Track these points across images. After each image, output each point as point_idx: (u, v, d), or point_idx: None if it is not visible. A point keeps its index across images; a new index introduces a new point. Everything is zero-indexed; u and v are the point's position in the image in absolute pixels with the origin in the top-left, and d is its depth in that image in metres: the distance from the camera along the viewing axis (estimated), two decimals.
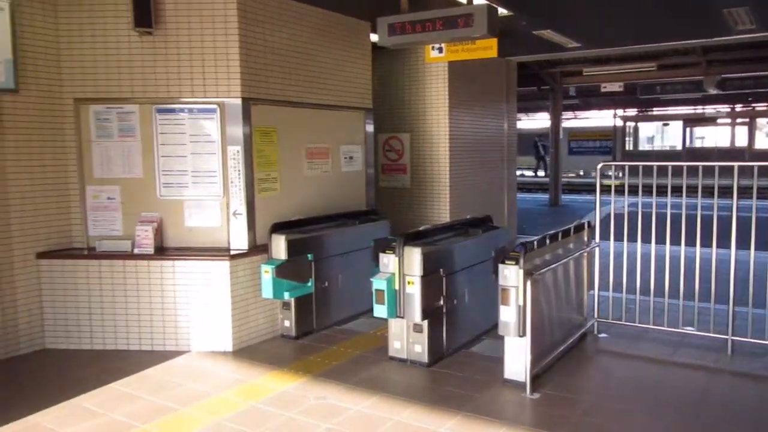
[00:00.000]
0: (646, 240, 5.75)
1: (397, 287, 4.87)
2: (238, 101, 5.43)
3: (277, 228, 5.62)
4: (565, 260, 5.10)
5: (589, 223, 5.74)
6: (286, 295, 5.59)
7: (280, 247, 5.51)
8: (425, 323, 4.95)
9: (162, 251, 5.47)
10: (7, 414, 4.13)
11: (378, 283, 4.88)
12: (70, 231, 5.58)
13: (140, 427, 3.97)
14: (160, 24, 5.33)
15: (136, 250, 5.42)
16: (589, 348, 5.52)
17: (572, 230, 5.37)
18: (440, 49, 6.58)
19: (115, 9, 5.35)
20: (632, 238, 5.74)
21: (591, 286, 5.79)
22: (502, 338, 4.64)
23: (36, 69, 5.27)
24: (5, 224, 5.16)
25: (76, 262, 5.41)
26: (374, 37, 6.60)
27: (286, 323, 5.80)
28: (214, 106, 5.44)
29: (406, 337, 5.07)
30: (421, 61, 8.04)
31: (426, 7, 5.20)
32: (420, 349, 5.01)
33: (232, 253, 5.47)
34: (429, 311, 4.90)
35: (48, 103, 5.37)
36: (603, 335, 5.79)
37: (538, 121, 32.08)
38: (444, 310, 5.11)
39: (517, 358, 4.56)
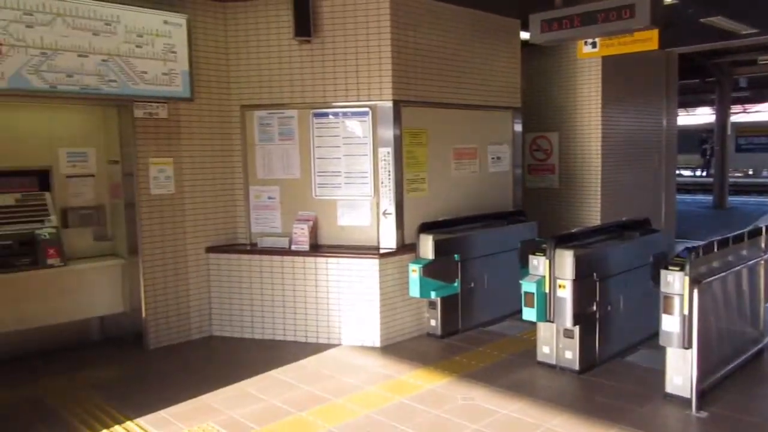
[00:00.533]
0: None
1: (547, 290, 4.74)
2: (390, 104, 5.57)
3: (425, 228, 5.69)
4: (737, 268, 4.66)
5: (767, 227, 5.21)
6: (433, 295, 5.64)
7: (427, 246, 5.57)
8: (576, 329, 4.76)
9: (316, 248, 5.75)
10: (182, 393, 4.56)
11: (527, 286, 4.78)
12: (235, 228, 6.04)
13: (297, 414, 4.20)
14: (317, 33, 5.60)
15: (293, 247, 5.74)
16: (766, 366, 5.00)
17: (746, 235, 4.90)
18: (594, 44, 6.29)
19: (277, 21, 5.71)
20: None
21: None
22: (661, 349, 4.34)
23: (208, 79, 5.76)
24: (180, 221, 5.70)
25: (240, 257, 5.85)
26: (524, 35, 6.47)
27: (432, 322, 5.85)
28: (367, 109, 5.62)
29: (556, 342, 4.92)
30: (572, 57, 7.74)
31: (581, 1, 5.00)
32: (570, 355, 4.84)
33: (382, 251, 5.62)
34: (581, 316, 4.71)
35: (217, 110, 5.86)
36: None
37: (697, 116, 29.63)
38: (597, 316, 4.88)
39: (680, 372, 4.24)
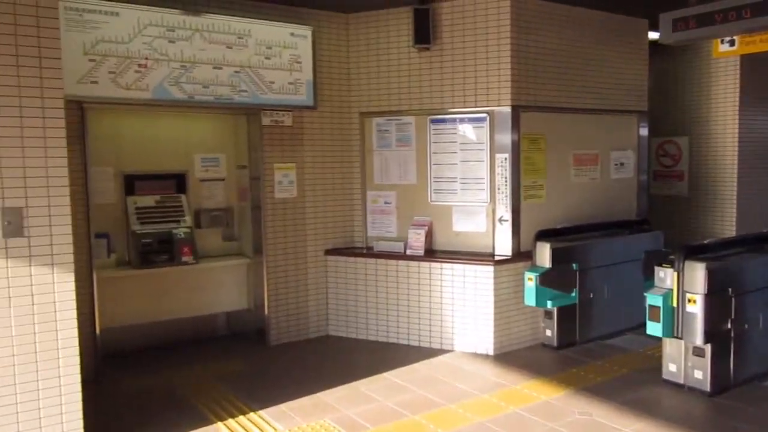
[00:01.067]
0: None
1: (674, 304, 4.47)
2: (508, 109, 5.50)
3: (542, 235, 5.55)
4: None
5: None
6: (549, 304, 5.50)
7: (544, 254, 5.44)
8: (708, 347, 4.46)
9: (431, 253, 5.79)
10: (300, 389, 4.75)
11: (653, 299, 4.54)
12: (352, 231, 6.21)
13: (410, 417, 4.25)
14: (436, 39, 5.65)
15: (408, 252, 5.81)
16: None
17: None
18: (732, 42, 5.85)
19: (397, 29, 5.83)
20: None
21: None
22: None
23: (330, 87, 5.98)
24: (301, 223, 5.95)
25: (357, 260, 6.01)
26: (653, 35, 6.16)
27: (548, 332, 5.70)
28: (484, 114, 5.59)
29: (684, 360, 4.63)
30: (704, 56, 7.27)
31: None
32: (700, 375, 4.53)
33: (497, 258, 5.56)
34: (713, 334, 4.40)
35: (338, 117, 6.06)
36: None
37: None
38: (732, 335, 4.54)
39: None
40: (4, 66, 3.16)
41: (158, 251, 5.48)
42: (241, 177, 6.09)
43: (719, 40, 6.18)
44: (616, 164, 6.51)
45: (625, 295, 5.91)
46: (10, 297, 3.22)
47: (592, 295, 5.77)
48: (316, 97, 5.76)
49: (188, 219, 5.70)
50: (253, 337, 6.01)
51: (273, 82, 5.47)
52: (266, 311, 5.81)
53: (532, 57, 5.64)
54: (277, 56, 5.47)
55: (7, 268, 3.21)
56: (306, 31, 5.64)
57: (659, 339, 4.74)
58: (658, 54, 7.24)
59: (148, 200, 5.65)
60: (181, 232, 5.57)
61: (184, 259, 5.53)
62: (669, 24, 4.94)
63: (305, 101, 5.70)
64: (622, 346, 5.72)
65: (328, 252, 6.10)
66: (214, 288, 5.97)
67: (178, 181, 5.87)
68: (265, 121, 5.65)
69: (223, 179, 6.13)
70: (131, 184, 5.63)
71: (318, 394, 4.64)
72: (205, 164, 6.03)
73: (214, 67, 5.18)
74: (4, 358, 3.22)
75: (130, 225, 5.49)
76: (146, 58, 4.88)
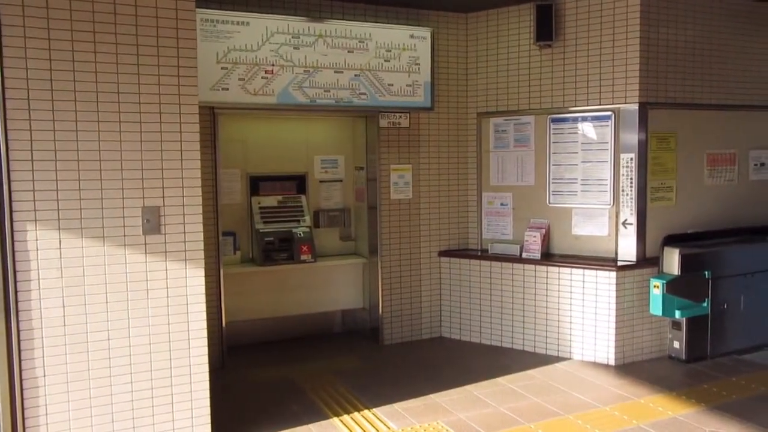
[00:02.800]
0: None
1: None
2: (635, 107, 5.22)
3: (671, 240, 5.23)
4: None
5: None
6: (677, 314, 5.16)
7: (672, 261, 5.12)
8: None
9: (548, 257, 5.61)
10: (413, 389, 4.78)
11: None
12: (467, 233, 6.16)
13: (525, 425, 4.14)
14: (558, 36, 5.48)
15: (524, 255, 5.68)
16: None
17: None
18: None
19: (517, 27, 5.72)
20: None
21: None
22: None
23: (447, 88, 5.97)
24: (416, 224, 5.98)
25: (471, 262, 5.95)
26: None
27: (676, 344, 5.35)
28: (609, 113, 5.34)
29: None
30: None
31: None
32: None
33: (620, 264, 5.30)
34: None
35: (455, 118, 6.04)
36: None
37: None
38: None
39: None
40: (146, 75, 3.43)
41: (279, 249, 5.73)
42: (358, 178, 6.23)
43: None
44: (755, 164, 6.00)
45: (764, 306, 5.43)
46: (147, 290, 3.49)
47: (726, 306, 5.35)
48: (434, 98, 5.77)
49: (308, 219, 5.92)
50: (367, 335, 6.13)
51: (391, 85, 5.55)
52: (380, 311, 5.90)
53: (663, 50, 5.31)
54: (396, 59, 5.54)
55: (145, 263, 3.48)
56: (425, 33, 5.67)
57: None
58: None
59: (271, 200, 5.92)
60: (300, 231, 5.78)
61: (303, 257, 5.74)
62: None
63: (423, 103, 5.72)
64: (761, 362, 5.26)
65: (442, 253, 6.09)
66: (330, 286, 6.14)
67: (299, 182, 6.10)
68: (383, 123, 5.74)
69: (341, 180, 6.30)
70: (256, 185, 5.93)
71: (431, 396, 4.64)
72: (324, 166, 6.22)
73: (335, 71, 5.33)
74: (142, 346, 3.50)
75: (254, 224, 5.78)
76: (273, 65, 5.11)
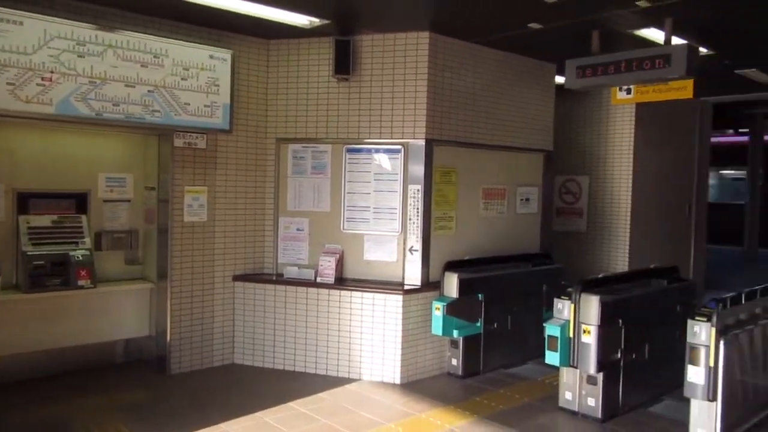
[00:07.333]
0: None
1: (571, 335, 4.70)
2: (422, 142, 5.66)
3: (451, 266, 5.71)
4: (765, 321, 4.59)
5: None
6: (455, 334, 5.64)
7: (452, 285, 5.59)
8: (600, 376, 4.70)
9: (341, 282, 5.80)
10: (201, 420, 4.59)
11: (551, 329, 4.75)
12: (262, 257, 6.13)
13: None
14: (356, 71, 5.76)
15: (318, 279, 5.80)
16: None
17: None
18: (629, 91, 6.32)
19: (318, 58, 5.90)
20: None
21: None
22: (686, 401, 4.27)
23: (247, 112, 5.94)
24: (210, 248, 5.81)
25: (266, 286, 5.92)
26: (559, 79, 6.54)
27: (453, 361, 5.83)
28: (399, 146, 5.72)
29: (579, 389, 4.86)
30: (605, 102, 7.80)
31: (617, 48, 5.07)
32: (593, 402, 4.77)
33: (406, 287, 5.65)
34: (605, 363, 4.65)
35: (254, 142, 6.02)
36: None
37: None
38: (621, 364, 4.82)
39: (704, 425, 4.16)
40: None
41: (51, 274, 5.17)
42: (148, 199, 5.90)
43: (618, 88, 6.66)
44: (522, 199, 6.82)
45: (527, 325, 6.15)
46: None
47: (495, 325, 5.96)
48: (233, 121, 5.69)
49: (88, 241, 5.44)
50: (154, 365, 5.77)
51: (188, 104, 5.37)
52: (168, 338, 5.60)
53: (447, 93, 5.85)
54: (194, 78, 5.38)
55: None
56: (225, 55, 5.58)
57: (557, 368, 4.95)
58: (563, 97, 7.70)
59: (44, 220, 5.35)
60: (79, 254, 5.29)
61: (81, 282, 5.25)
62: (574, 70, 5.29)
63: (221, 124, 5.62)
64: (524, 375, 5.93)
65: (237, 278, 5.98)
66: (113, 314, 5.69)
67: (79, 201, 5.59)
68: (178, 142, 5.52)
69: (129, 200, 5.91)
70: (25, 202, 5.31)
71: (220, 425, 4.51)
72: (110, 184, 5.79)
73: (126, 85, 5.02)
74: None
75: (21, 246, 5.16)
76: (51, 72, 4.66)
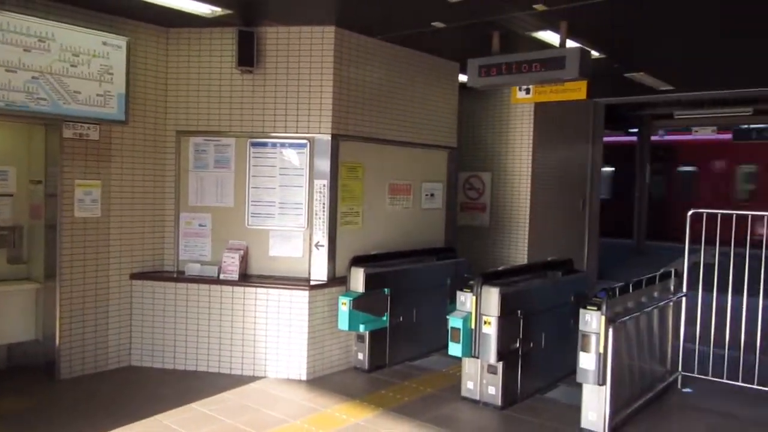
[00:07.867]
0: (738, 291, 5.45)
1: (473, 326, 4.84)
2: (328, 137, 5.63)
3: (357, 261, 5.72)
4: (649, 309, 4.92)
5: (676, 271, 5.53)
6: (362, 328, 5.66)
7: (358, 279, 5.61)
8: (500, 365, 4.87)
9: (246, 278, 5.68)
10: (92, 427, 4.36)
11: (454, 321, 4.87)
12: (162, 254, 5.89)
13: None
14: (260, 63, 5.64)
15: (221, 276, 5.65)
16: (671, 402, 5.25)
17: (657, 278, 5.18)
18: (527, 90, 6.58)
19: (220, 49, 5.72)
20: (723, 290, 5.47)
21: (676, 338, 5.54)
22: (579, 386, 4.50)
23: (145, 102, 5.68)
24: (104, 245, 5.52)
25: (166, 285, 5.70)
26: (462, 78, 6.70)
27: (360, 356, 5.85)
28: (305, 141, 5.66)
29: (480, 378, 5.01)
30: (506, 101, 8.07)
31: (516, 49, 5.26)
32: (493, 390, 4.93)
33: (312, 283, 5.61)
34: (504, 353, 4.82)
35: (152, 135, 5.76)
36: (687, 390, 5.50)
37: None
38: (520, 353, 5.01)
39: (595, 408, 4.41)
40: None
41: None
42: (34, 193, 5.51)
43: (517, 87, 6.91)
44: (427, 195, 6.94)
45: (432, 318, 6.26)
46: None
47: (401, 319, 6.03)
48: (128, 111, 5.41)
49: None
50: (41, 370, 5.41)
51: (78, 92, 5.05)
52: (57, 341, 5.27)
53: (353, 89, 5.84)
54: (84, 65, 5.07)
55: None
56: (120, 42, 5.30)
57: (460, 359, 5.07)
58: (467, 96, 7.90)
59: None
60: None
61: None
62: (476, 69, 5.43)
63: (115, 115, 5.33)
64: (428, 366, 6.04)
65: (134, 276, 5.72)
66: None
67: None
68: (67, 133, 5.20)
69: (12, 195, 5.50)
70: None
71: (114, 431, 4.29)
72: None
73: (7, 70, 4.65)
74: None
75: None
76: None
